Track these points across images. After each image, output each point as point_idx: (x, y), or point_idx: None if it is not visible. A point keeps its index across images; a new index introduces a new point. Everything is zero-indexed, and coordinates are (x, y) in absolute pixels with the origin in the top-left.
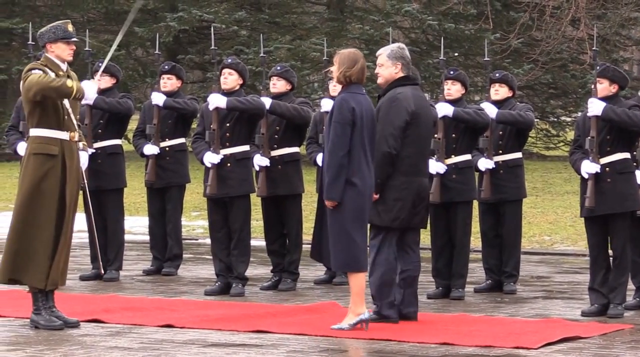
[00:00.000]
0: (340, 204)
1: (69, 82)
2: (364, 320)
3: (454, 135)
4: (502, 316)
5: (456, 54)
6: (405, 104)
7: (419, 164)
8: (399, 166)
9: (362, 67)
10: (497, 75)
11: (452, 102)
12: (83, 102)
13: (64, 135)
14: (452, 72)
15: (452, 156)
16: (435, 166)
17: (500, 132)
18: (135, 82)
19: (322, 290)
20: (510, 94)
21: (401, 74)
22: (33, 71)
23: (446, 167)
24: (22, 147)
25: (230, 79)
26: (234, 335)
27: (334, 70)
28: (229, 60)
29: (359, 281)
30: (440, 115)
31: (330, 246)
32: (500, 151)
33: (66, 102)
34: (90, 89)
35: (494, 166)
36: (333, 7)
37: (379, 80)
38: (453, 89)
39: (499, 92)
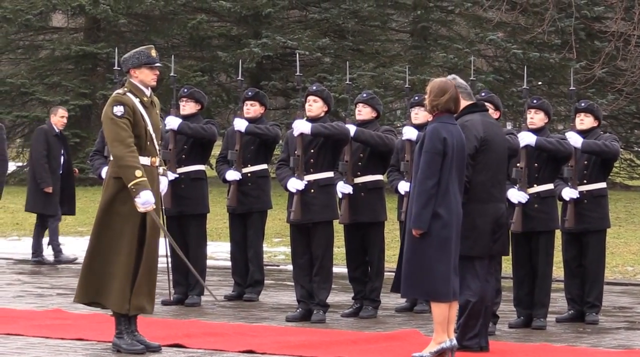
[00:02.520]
0: (426, 234)
1: (138, 173)
2: (446, 348)
3: (536, 164)
4: (584, 347)
5: (540, 83)
6: (474, 132)
7: (493, 190)
8: (473, 193)
9: (451, 97)
10: (583, 104)
11: (535, 131)
12: (167, 127)
13: (145, 160)
14: (535, 101)
15: (535, 185)
16: (517, 195)
17: (585, 162)
18: (219, 108)
19: (403, 318)
20: (595, 124)
21: (465, 103)
22: (115, 108)
23: (528, 197)
24: (106, 172)
25: (315, 106)
26: None
27: (426, 98)
28: (314, 87)
29: (439, 310)
30: (522, 144)
31: (406, 273)
32: (585, 181)
33: (150, 127)
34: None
35: (578, 196)
36: (417, 35)
37: None
38: (536, 118)
39: (584, 121)
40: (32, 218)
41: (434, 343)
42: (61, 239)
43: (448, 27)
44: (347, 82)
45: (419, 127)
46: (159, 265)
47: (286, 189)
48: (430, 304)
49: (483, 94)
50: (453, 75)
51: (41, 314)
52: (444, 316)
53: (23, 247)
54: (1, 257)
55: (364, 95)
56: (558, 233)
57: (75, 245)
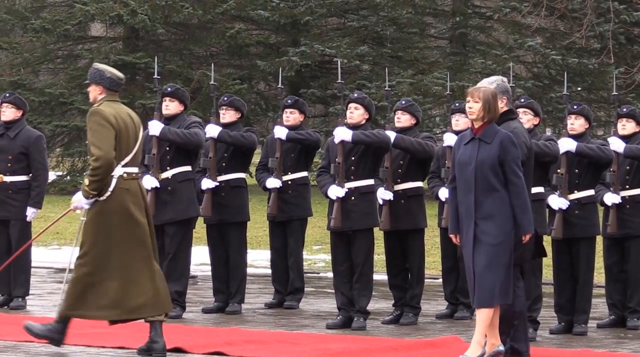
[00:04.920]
0: (507, 240)
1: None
2: (498, 352)
3: (577, 170)
4: (625, 352)
5: (579, 89)
6: (523, 138)
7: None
8: None
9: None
10: (625, 110)
11: (576, 137)
12: (207, 135)
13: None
14: (575, 107)
15: (575, 191)
16: (558, 202)
17: (628, 167)
18: (258, 116)
19: (443, 324)
20: (637, 129)
21: (506, 108)
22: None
23: (569, 203)
24: (146, 181)
25: (356, 113)
26: None
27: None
28: (356, 95)
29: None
30: (562, 150)
31: (485, 280)
32: (627, 186)
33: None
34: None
35: (621, 201)
36: (455, 42)
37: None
38: (576, 124)
39: (626, 127)
40: (73, 227)
41: (479, 346)
42: None
43: (487, 34)
44: (386, 89)
45: (459, 133)
46: (201, 273)
47: (327, 197)
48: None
49: (522, 100)
50: (501, 77)
51: (82, 322)
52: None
53: (64, 256)
54: (42, 266)
55: (403, 102)
56: (599, 239)
57: None
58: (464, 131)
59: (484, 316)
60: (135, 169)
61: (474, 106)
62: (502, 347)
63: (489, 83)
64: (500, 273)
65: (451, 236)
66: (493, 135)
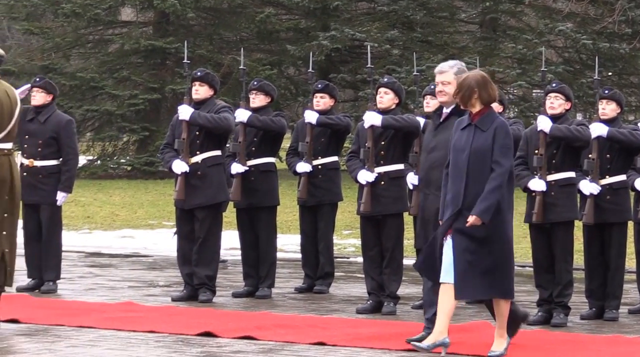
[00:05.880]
0: (502, 231)
1: None
2: (444, 343)
3: (608, 155)
4: None
5: (610, 74)
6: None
7: None
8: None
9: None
10: None
11: (607, 121)
12: (237, 120)
13: None
14: (607, 92)
15: (607, 177)
16: (589, 187)
17: None
18: (287, 101)
19: (474, 310)
20: None
21: None
22: None
23: (600, 188)
24: (177, 165)
25: (386, 98)
26: (385, 354)
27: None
28: (386, 79)
29: (507, 307)
30: (594, 135)
31: (488, 275)
32: None
33: None
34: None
35: None
36: (486, 26)
37: (444, 99)
38: (608, 109)
39: None
40: (104, 211)
41: (503, 339)
42: (132, 232)
43: (517, 18)
44: (416, 73)
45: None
46: (231, 257)
47: (356, 181)
48: (499, 303)
49: (554, 84)
50: (460, 62)
51: (113, 306)
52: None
53: (94, 240)
54: (73, 250)
55: (432, 87)
56: (630, 224)
57: (146, 238)
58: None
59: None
60: (8, 145)
61: (445, 89)
62: (448, 340)
63: (449, 67)
64: (480, 266)
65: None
66: (490, 123)
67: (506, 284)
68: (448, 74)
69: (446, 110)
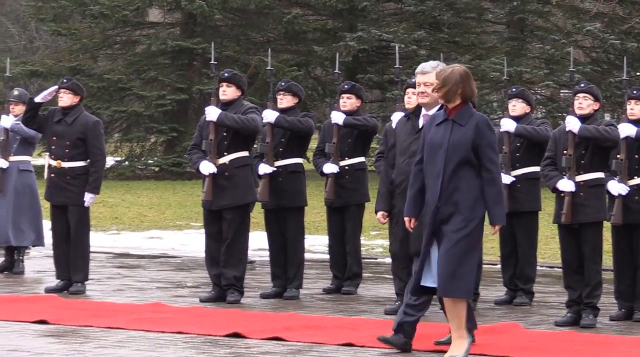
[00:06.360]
0: (479, 230)
1: None
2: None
3: (636, 156)
4: None
5: (638, 74)
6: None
7: None
8: None
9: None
10: None
11: (636, 122)
12: (264, 121)
13: None
14: (635, 92)
15: (635, 177)
16: (618, 187)
17: None
18: (314, 101)
19: (502, 310)
20: None
21: None
22: None
23: (629, 189)
24: (204, 166)
25: (414, 98)
26: (414, 355)
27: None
28: (413, 80)
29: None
30: (622, 135)
31: (457, 272)
32: None
33: None
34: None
35: None
36: (513, 27)
37: (425, 100)
38: (636, 109)
39: None
40: (132, 212)
41: (463, 340)
42: (160, 233)
43: (545, 18)
44: None
45: (517, 119)
46: (259, 258)
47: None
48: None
49: (582, 85)
50: (441, 62)
51: (141, 307)
52: None
53: (122, 241)
54: (101, 251)
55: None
56: None
57: (174, 239)
58: (521, 116)
59: (449, 306)
60: None
61: (427, 91)
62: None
63: (432, 67)
64: (459, 264)
65: (405, 219)
66: (468, 118)
67: (471, 283)
68: (430, 75)
69: (426, 112)
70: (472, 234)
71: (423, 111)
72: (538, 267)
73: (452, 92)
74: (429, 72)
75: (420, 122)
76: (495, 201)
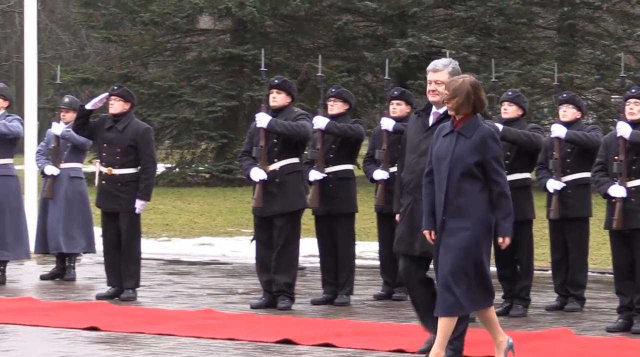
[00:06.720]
0: (486, 240)
1: None
2: (510, 346)
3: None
4: None
5: None
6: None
7: None
8: None
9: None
10: None
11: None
12: (315, 127)
13: None
14: (634, 91)
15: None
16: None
17: None
18: (365, 108)
19: (553, 316)
20: None
21: None
22: None
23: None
24: (255, 173)
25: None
26: None
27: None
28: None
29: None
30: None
31: (449, 286)
32: None
33: None
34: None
35: None
36: (564, 32)
37: (436, 98)
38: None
39: None
40: (182, 219)
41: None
42: (210, 240)
43: (595, 24)
44: (493, 80)
45: (567, 124)
46: (310, 265)
47: None
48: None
49: (633, 90)
50: (454, 60)
51: (192, 314)
52: None
53: (173, 247)
54: (152, 258)
55: (510, 93)
56: None
57: (225, 245)
58: (573, 121)
59: (443, 325)
60: None
61: (438, 89)
62: (511, 340)
63: (444, 65)
64: (466, 279)
65: (425, 232)
66: (474, 130)
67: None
68: (442, 73)
69: (437, 110)
70: (478, 245)
71: (434, 109)
72: (589, 273)
73: (462, 104)
74: (440, 70)
75: (431, 120)
76: (504, 214)
